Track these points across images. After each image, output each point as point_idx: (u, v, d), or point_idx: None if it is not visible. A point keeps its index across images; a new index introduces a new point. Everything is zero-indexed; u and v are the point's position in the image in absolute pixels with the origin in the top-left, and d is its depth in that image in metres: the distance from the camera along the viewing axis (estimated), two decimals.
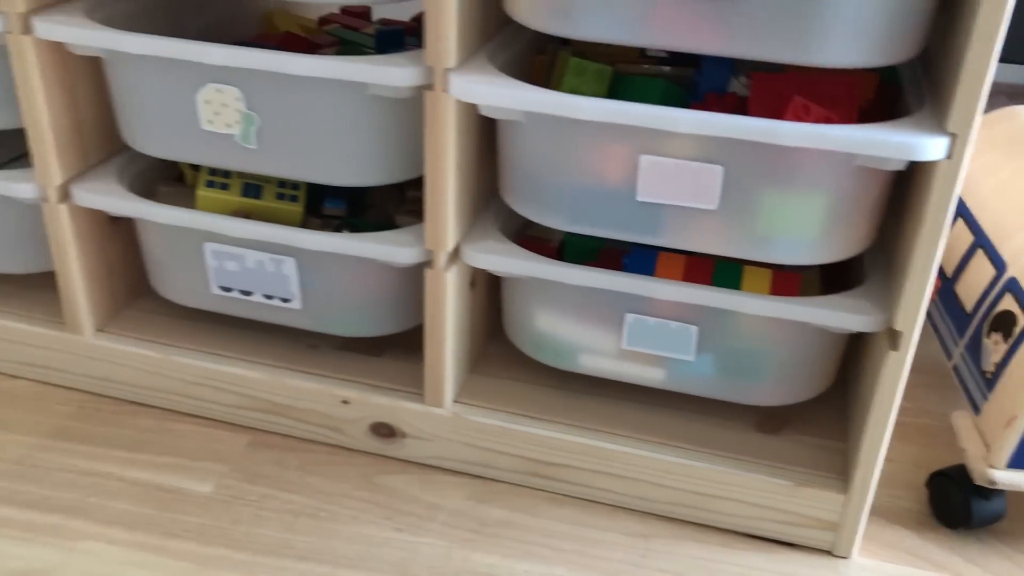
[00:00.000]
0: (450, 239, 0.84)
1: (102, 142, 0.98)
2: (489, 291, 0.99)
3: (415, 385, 0.95)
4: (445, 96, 0.77)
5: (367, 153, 0.85)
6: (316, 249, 0.88)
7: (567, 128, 0.77)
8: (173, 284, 0.99)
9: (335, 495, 0.92)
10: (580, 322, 0.88)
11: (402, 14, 1.11)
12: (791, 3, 0.68)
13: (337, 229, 0.96)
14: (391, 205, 1.02)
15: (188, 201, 0.98)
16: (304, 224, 0.98)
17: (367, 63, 0.78)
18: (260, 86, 0.83)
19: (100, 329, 1.02)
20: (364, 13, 1.14)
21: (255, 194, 0.96)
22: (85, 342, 1.01)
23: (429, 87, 0.78)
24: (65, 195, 0.94)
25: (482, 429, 0.92)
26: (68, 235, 0.95)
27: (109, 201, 0.93)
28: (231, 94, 0.84)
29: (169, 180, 1.04)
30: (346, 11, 1.14)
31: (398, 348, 1.01)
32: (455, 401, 0.94)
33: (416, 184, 0.88)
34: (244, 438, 0.99)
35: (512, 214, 0.89)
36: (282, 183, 0.98)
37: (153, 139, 0.90)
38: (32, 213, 0.98)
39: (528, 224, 0.95)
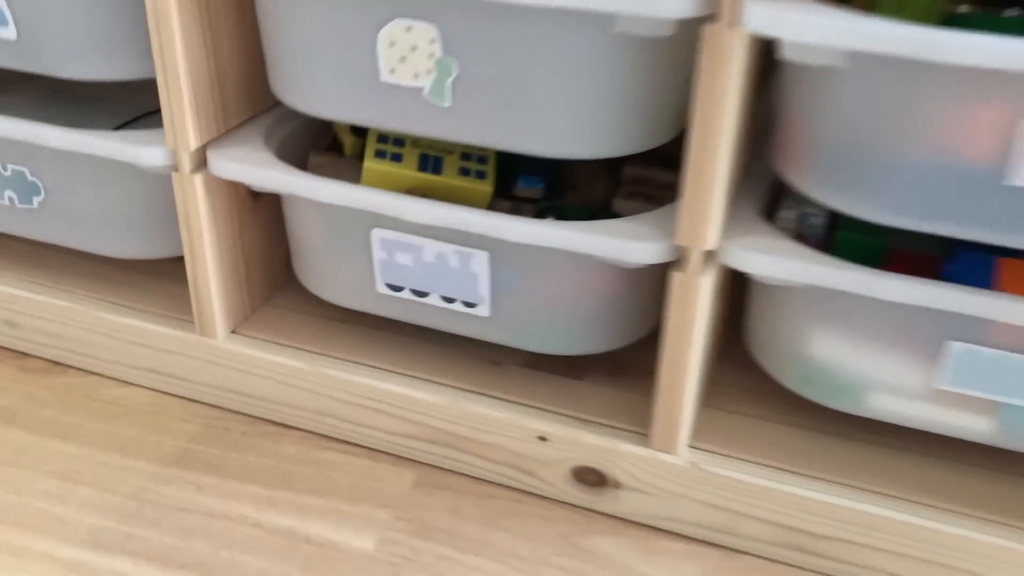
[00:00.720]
0: (711, 232, 0.62)
1: (245, 100, 0.79)
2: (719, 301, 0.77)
3: (634, 421, 0.74)
4: (734, 31, 0.55)
5: (603, 114, 0.64)
6: (523, 241, 0.66)
7: (913, 77, 0.54)
8: (327, 279, 0.80)
9: (530, 560, 0.71)
10: (878, 350, 0.65)
11: None
12: None
13: (539, 215, 0.75)
14: (599, 185, 0.80)
15: (343, 175, 0.78)
16: (491, 207, 0.78)
17: None
18: (463, 23, 0.62)
19: (234, 331, 0.83)
20: None
21: (435, 168, 0.76)
22: (217, 346, 0.82)
23: (712, 18, 0.56)
24: (201, 163, 0.75)
25: (727, 485, 0.70)
26: (203, 213, 0.76)
27: (257, 172, 0.73)
28: (424, 33, 0.63)
29: (321, 149, 0.84)
30: None
31: (601, 369, 0.80)
32: (690, 445, 0.72)
33: (637, 159, 0.66)
34: (410, 475, 0.79)
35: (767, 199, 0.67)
36: (466, 155, 0.77)
37: (315, 94, 0.70)
38: (156, 185, 0.79)
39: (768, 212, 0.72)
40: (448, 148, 0.77)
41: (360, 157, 0.81)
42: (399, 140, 0.76)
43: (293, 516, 0.74)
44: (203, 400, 0.85)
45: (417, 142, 0.77)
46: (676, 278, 0.64)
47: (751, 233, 0.64)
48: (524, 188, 0.78)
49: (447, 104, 0.66)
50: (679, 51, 0.63)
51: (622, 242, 0.64)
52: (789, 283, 0.63)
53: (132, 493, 0.76)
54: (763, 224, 0.66)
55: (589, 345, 0.75)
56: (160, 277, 0.89)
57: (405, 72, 0.66)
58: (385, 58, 0.65)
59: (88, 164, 0.79)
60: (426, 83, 0.65)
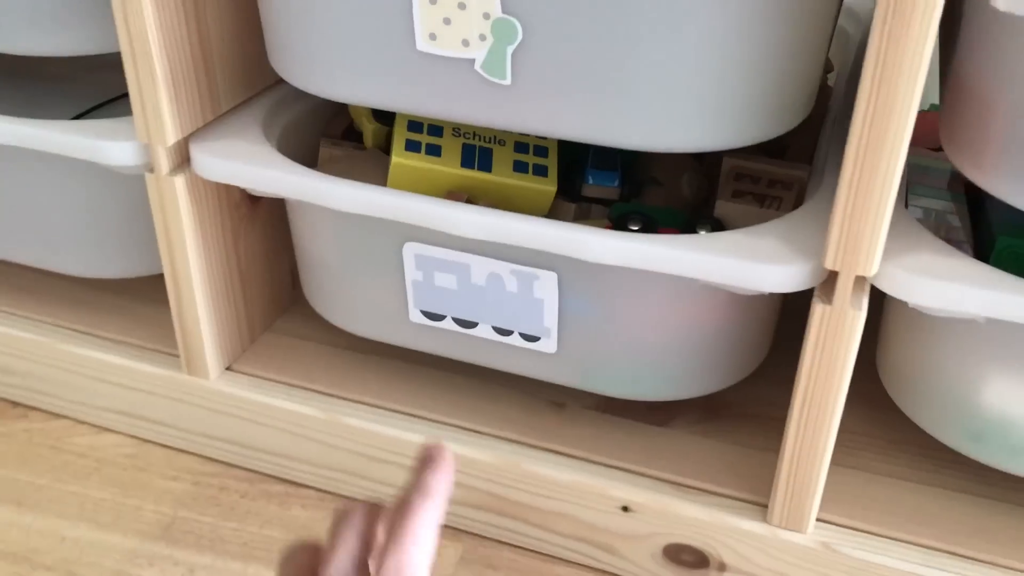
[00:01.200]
0: (875, 252, 0.46)
1: (238, 79, 0.62)
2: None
3: (744, 486, 0.58)
4: None
5: (726, 93, 0.47)
6: (612, 262, 0.50)
7: None
8: (345, 304, 0.63)
9: None
10: None
11: None
12: None
13: (618, 222, 0.58)
14: (688, 181, 0.64)
15: (364, 172, 0.62)
16: (554, 211, 0.61)
17: None
18: None
19: (229, 367, 0.67)
20: None
21: (483, 163, 0.59)
22: (208, 387, 0.66)
23: None
24: (183, 160, 0.58)
25: (869, 571, 0.54)
26: (186, 223, 0.59)
27: (254, 172, 0.56)
28: None
29: (334, 138, 0.68)
30: None
31: (690, 413, 0.64)
32: (819, 519, 0.56)
33: (736, 149, 0.50)
34: (454, 549, 0.62)
35: None
36: (522, 146, 0.61)
37: (328, 70, 0.53)
38: (130, 187, 0.63)
39: None
40: (498, 138, 0.60)
41: (385, 149, 0.65)
42: (436, 128, 0.60)
43: None
44: (193, 451, 0.69)
45: (459, 130, 0.60)
46: (821, 312, 0.48)
47: (916, 249, 0.48)
48: (595, 187, 0.62)
49: (507, 81, 0.49)
50: (814, 13, 0.46)
51: (753, 264, 0.48)
52: (968, 316, 0.47)
53: None
54: (929, 237, 0.49)
55: (681, 389, 0.59)
56: (139, 301, 0.73)
57: (450, 38, 0.49)
58: (423, 20, 0.49)
59: (45, 163, 0.62)
60: (479, 53, 0.49)
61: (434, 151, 0.59)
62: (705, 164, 0.65)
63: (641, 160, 0.64)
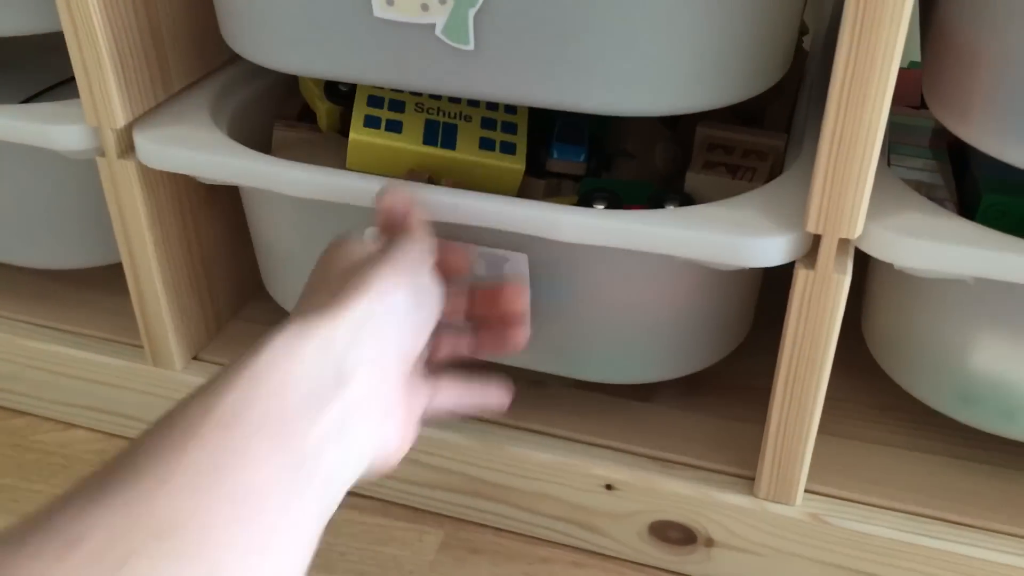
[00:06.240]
0: (859, 213, 0.44)
1: (192, 56, 0.60)
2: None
3: (730, 459, 0.56)
4: None
5: (698, 50, 0.45)
6: (586, 241, 0.48)
7: None
8: None
9: None
10: None
11: None
12: None
13: (584, 198, 0.56)
14: (660, 152, 0.61)
15: (320, 154, 0.59)
16: (523, 188, 0.59)
17: None
18: None
19: (196, 356, 0.65)
20: None
21: (446, 140, 0.57)
22: (175, 378, 0.63)
23: None
24: (132, 143, 0.56)
25: (859, 542, 0.52)
26: (142, 209, 0.57)
27: (202, 158, 0.53)
28: None
29: (288, 120, 0.65)
30: None
31: (671, 387, 0.62)
32: (807, 490, 0.54)
33: (707, 116, 0.48)
34: (435, 536, 0.61)
35: None
36: (489, 121, 0.58)
37: (284, 42, 0.51)
38: (83, 173, 0.60)
39: None
40: (464, 113, 0.58)
41: (341, 130, 0.62)
42: (397, 103, 0.57)
43: None
44: None
45: (422, 105, 0.58)
46: (804, 278, 0.46)
47: (902, 210, 0.46)
48: (561, 160, 0.59)
49: (469, 46, 0.47)
50: None
51: (732, 237, 0.45)
52: (955, 276, 0.46)
53: None
54: (915, 196, 0.47)
55: (661, 371, 0.57)
56: (101, 291, 0.70)
57: (408, 3, 0.46)
58: None
59: None
60: (439, 17, 0.46)
61: (395, 127, 0.56)
62: (680, 134, 0.63)
63: (612, 132, 0.62)
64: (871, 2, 0.38)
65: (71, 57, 0.53)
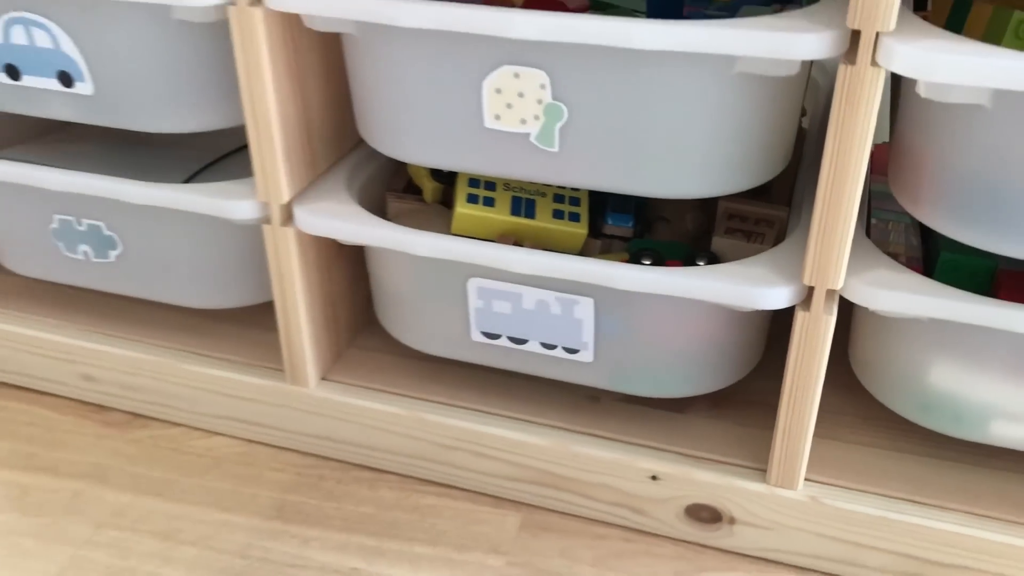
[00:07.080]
0: (840, 271, 0.61)
1: (331, 147, 0.77)
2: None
3: (748, 456, 0.73)
4: (871, 71, 0.54)
5: (719, 153, 0.62)
6: (638, 290, 0.65)
7: None
8: (416, 327, 0.78)
9: None
10: (1005, 378, 0.64)
11: None
12: None
13: (635, 256, 0.73)
14: (690, 219, 0.79)
15: (428, 222, 0.76)
16: (584, 248, 0.76)
17: (756, 28, 0.55)
18: (575, 68, 0.61)
19: (324, 377, 0.82)
20: None
21: (528, 212, 0.74)
22: (309, 395, 0.80)
23: (848, 58, 0.54)
24: (291, 213, 0.73)
25: (847, 518, 0.69)
26: (295, 264, 0.74)
27: (347, 228, 0.71)
28: (533, 79, 0.62)
29: (396, 192, 0.83)
30: None
31: (701, 402, 0.79)
32: (807, 479, 0.71)
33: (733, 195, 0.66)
34: (515, 517, 0.78)
35: None
36: (559, 196, 0.76)
37: (413, 141, 0.69)
38: (239, 234, 0.78)
39: None
40: (540, 190, 0.76)
41: (443, 202, 0.80)
42: (491, 183, 0.75)
43: (405, 566, 0.73)
44: (294, 448, 0.84)
45: (508, 185, 0.75)
46: (801, 318, 0.63)
47: (874, 267, 0.63)
48: (614, 226, 0.77)
49: (555, 149, 0.65)
50: (794, 88, 0.62)
51: (749, 288, 0.63)
52: (914, 317, 0.62)
53: (238, 550, 0.74)
54: (884, 257, 0.65)
55: (694, 387, 0.73)
56: (238, 324, 0.88)
57: (511, 118, 0.64)
58: (490, 105, 0.64)
59: (170, 217, 0.77)
60: (533, 129, 0.64)
61: (489, 202, 0.74)
62: (704, 202, 0.81)
63: (652, 202, 0.79)
64: (845, 138, 0.56)
65: (251, 147, 0.70)
